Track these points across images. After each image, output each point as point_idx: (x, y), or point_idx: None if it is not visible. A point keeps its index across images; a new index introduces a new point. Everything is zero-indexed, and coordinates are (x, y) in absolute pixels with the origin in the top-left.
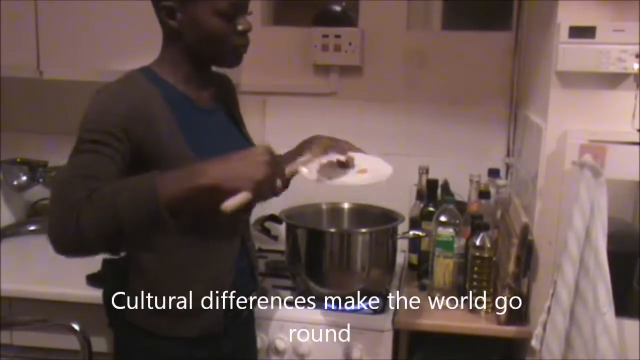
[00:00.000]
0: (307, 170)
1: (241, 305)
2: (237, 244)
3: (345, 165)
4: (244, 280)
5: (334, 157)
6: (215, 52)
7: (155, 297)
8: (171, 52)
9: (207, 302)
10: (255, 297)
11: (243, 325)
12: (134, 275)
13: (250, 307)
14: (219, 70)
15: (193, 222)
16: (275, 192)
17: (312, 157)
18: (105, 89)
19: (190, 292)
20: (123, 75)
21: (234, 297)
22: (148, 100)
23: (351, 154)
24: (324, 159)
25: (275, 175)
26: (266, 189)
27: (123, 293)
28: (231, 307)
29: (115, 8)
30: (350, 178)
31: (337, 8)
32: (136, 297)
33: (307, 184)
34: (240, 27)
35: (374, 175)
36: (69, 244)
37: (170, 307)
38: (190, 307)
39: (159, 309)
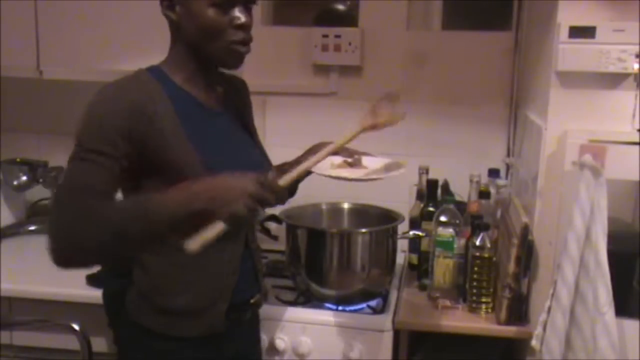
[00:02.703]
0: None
1: (243, 307)
2: (240, 247)
3: (353, 165)
4: (247, 282)
5: (341, 158)
6: (212, 47)
7: (157, 296)
8: (176, 50)
9: (208, 303)
10: (257, 300)
11: (246, 327)
12: (136, 274)
13: (253, 310)
14: (233, 72)
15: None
16: (253, 220)
17: (316, 159)
18: (105, 89)
19: (192, 292)
20: (131, 75)
21: (236, 298)
22: (151, 96)
23: (358, 156)
24: (333, 158)
25: (257, 209)
26: (242, 222)
27: (124, 293)
28: (233, 309)
29: (115, 8)
30: (356, 172)
31: (341, 7)
32: (138, 296)
33: (307, 184)
34: (236, 21)
35: (381, 170)
36: (69, 258)
37: (171, 307)
38: (192, 307)
39: (160, 308)
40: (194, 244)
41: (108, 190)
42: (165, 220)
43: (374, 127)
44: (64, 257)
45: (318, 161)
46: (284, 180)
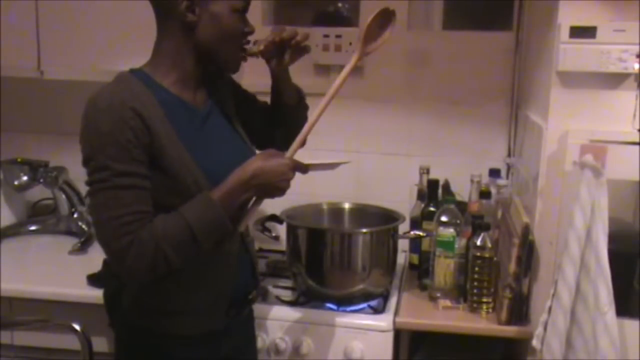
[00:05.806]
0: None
1: (242, 303)
2: (237, 242)
3: None
4: (245, 277)
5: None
6: (225, 51)
7: (156, 296)
8: (174, 50)
9: (209, 302)
10: (255, 295)
11: (243, 323)
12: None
13: (251, 306)
14: None
15: None
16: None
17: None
18: (100, 100)
19: (191, 290)
20: (115, 79)
21: (236, 295)
22: (143, 101)
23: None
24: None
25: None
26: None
27: (124, 292)
28: (232, 306)
29: (115, 8)
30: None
31: (331, 9)
32: (137, 296)
33: (308, 184)
34: (246, 29)
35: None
36: (153, 276)
37: (170, 307)
38: (191, 306)
39: (158, 309)
40: (242, 225)
41: (150, 207)
42: (228, 215)
43: (369, 52)
44: (148, 277)
45: (319, 116)
46: (291, 151)
